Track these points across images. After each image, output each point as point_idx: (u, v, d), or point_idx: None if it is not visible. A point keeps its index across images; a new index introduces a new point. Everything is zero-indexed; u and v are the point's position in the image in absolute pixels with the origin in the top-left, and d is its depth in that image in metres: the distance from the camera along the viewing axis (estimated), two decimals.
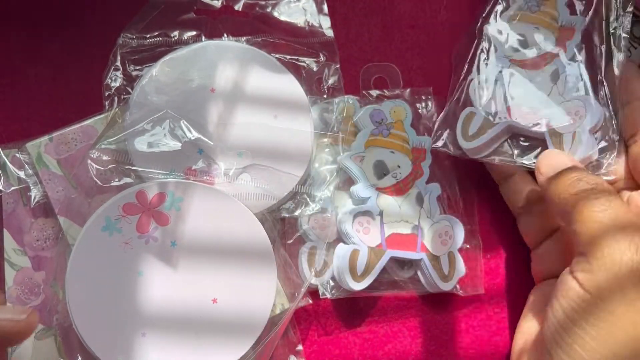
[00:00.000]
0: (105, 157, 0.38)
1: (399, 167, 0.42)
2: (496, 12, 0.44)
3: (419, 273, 0.41)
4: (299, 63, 0.42)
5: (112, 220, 0.35)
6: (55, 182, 0.39)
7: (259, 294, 0.36)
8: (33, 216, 0.39)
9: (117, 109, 0.39)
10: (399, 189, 0.42)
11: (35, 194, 0.39)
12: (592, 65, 0.42)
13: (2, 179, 0.39)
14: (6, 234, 0.38)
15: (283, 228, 0.42)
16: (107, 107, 0.39)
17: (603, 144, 0.40)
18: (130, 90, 0.39)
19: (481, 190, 0.45)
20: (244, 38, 0.42)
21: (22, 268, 0.38)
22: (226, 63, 0.40)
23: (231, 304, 0.36)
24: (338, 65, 0.44)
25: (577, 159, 0.39)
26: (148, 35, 0.41)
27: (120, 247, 0.35)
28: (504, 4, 0.45)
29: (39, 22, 0.45)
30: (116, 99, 0.39)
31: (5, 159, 0.39)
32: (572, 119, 0.40)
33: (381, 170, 0.42)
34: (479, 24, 0.44)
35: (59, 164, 0.39)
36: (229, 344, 0.35)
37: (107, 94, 0.39)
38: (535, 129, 0.40)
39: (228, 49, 0.41)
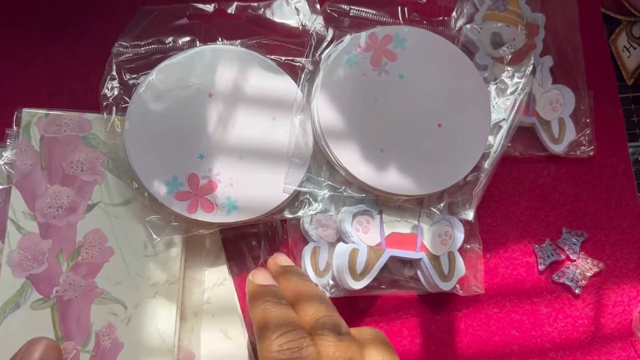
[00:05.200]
0: (85, 155, 0.41)
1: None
2: (470, 13, 0.49)
3: (418, 273, 0.45)
4: (294, 63, 0.45)
5: (351, 55, 0.44)
6: (29, 154, 0.42)
7: (476, 121, 0.45)
8: (49, 182, 0.41)
9: (116, 118, 0.42)
10: None
11: (7, 155, 0.42)
12: (559, 56, 0.50)
13: (20, 138, 0.41)
14: (18, 196, 0.41)
15: (285, 228, 0.45)
16: (105, 117, 0.42)
17: (580, 125, 0.49)
18: (127, 99, 0.42)
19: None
20: (239, 41, 0.45)
21: (29, 233, 0.41)
22: (222, 67, 0.43)
23: (453, 130, 0.44)
24: None
25: (566, 142, 0.48)
26: (143, 43, 0.44)
27: (359, 77, 0.44)
28: (474, 5, 0.50)
29: (39, 28, 0.48)
30: (114, 108, 0.42)
31: (31, 120, 0.42)
32: (554, 107, 0.49)
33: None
34: (455, 26, 0.49)
35: (41, 140, 0.42)
36: (453, 163, 0.44)
37: (104, 103, 0.42)
38: (527, 119, 0.48)
39: (223, 53, 0.44)
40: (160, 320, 0.41)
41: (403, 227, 0.44)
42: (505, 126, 0.46)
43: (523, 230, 0.48)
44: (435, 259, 0.44)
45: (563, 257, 0.47)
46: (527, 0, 0.50)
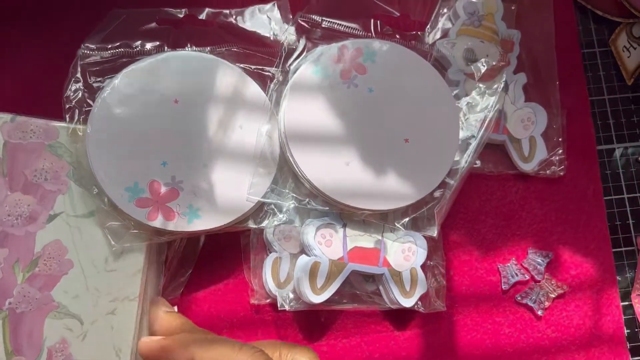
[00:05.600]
0: (50, 163, 0.41)
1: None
2: (444, 28, 0.49)
3: (380, 288, 0.45)
4: (264, 73, 0.45)
5: (321, 66, 0.44)
6: None
7: (444, 138, 0.45)
8: (10, 189, 0.40)
9: (79, 122, 0.42)
10: None
11: None
12: (533, 73, 0.50)
13: None
14: None
15: (249, 238, 0.45)
16: (67, 119, 0.42)
17: (551, 144, 0.49)
18: (91, 102, 0.42)
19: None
20: (208, 48, 0.45)
21: None
22: (190, 73, 0.43)
23: (421, 145, 0.45)
24: None
25: (536, 161, 0.48)
26: (110, 46, 0.43)
27: (327, 89, 0.44)
28: (449, 21, 0.50)
29: (14, 25, 0.48)
30: (77, 111, 0.42)
31: None
32: (525, 125, 0.48)
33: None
34: (429, 40, 0.49)
35: (5, 146, 0.41)
36: (419, 178, 0.44)
37: (67, 106, 0.42)
38: (497, 137, 0.48)
39: (191, 60, 0.43)
40: (118, 338, 0.40)
41: (366, 241, 0.44)
42: (473, 143, 0.45)
43: (488, 249, 0.48)
44: (397, 274, 0.44)
45: (527, 277, 0.47)
46: (503, 17, 0.50)
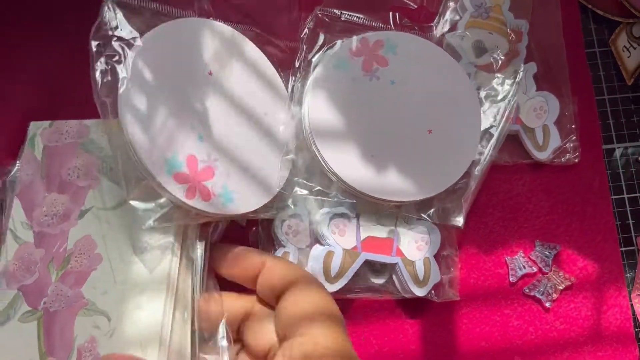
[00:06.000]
0: (82, 161, 0.42)
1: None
2: (452, 21, 0.50)
3: (394, 277, 0.46)
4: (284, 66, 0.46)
5: (342, 60, 0.45)
6: (31, 165, 0.42)
7: (467, 128, 0.46)
8: (47, 190, 0.41)
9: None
10: None
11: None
12: (543, 63, 0.51)
13: (25, 150, 0.42)
14: (18, 205, 0.41)
15: (257, 234, 0.46)
16: (95, 64, 0.38)
17: (565, 132, 0.50)
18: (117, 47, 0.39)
19: None
20: (238, 25, 0.44)
21: (24, 243, 0.40)
22: (225, 49, 0.43)
23: (444, 136, 0.45)
24: None
25: (550, 149, 0.49)
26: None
27: (349, 82, 0.45)
28: (457, 13, 0.51)
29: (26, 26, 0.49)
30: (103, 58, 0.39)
31: (36, 132, 0.43)
32: (538, 114, 0.49)
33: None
34: (436, 33, 0.50)
35: (44, 150, 0.42)
36: (443, 169, 0.45)
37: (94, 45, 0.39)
38: (511, 127, 0.49)
39: (227, 35, 0.43)
40: (145, 334, 0.38)
41: (379, 231, 0.45)
42: (495, 133, 0.46)
43: (495, 242, 0.49)
44: (410, 264, 0.44)
45: (535, 269, 0.48)
46: (511, 7, 0.50)
